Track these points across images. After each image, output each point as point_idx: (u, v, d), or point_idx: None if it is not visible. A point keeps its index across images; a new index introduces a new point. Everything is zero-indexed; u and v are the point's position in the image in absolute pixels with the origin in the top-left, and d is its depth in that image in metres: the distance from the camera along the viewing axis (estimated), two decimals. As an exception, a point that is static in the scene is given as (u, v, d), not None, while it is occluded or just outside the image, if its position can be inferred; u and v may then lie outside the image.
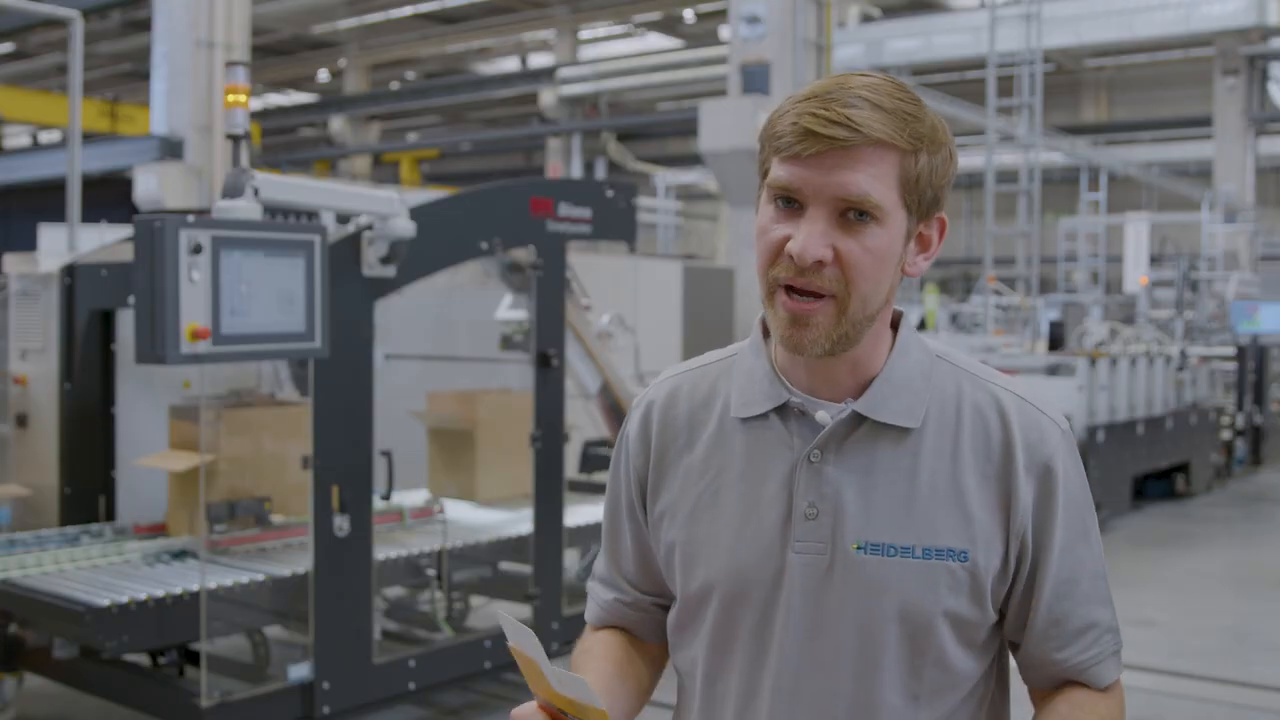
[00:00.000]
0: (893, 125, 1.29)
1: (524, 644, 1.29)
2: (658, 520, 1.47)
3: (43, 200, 12.51)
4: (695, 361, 1.53)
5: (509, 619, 1.31)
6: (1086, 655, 1.40)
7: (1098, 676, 1.41)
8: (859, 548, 1.34)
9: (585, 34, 26.95)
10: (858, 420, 1.36)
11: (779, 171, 1.31)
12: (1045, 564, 1.37)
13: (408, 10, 24.84)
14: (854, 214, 1.29)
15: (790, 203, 1.31)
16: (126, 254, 4.69)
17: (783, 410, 1.39)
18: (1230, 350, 13.89)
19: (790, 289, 1.30)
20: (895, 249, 1.33)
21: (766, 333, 1.44)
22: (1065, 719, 1.40)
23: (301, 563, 4.39)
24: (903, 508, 1.34)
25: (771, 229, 1.32)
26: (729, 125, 11.82)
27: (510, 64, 29.47)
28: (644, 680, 1.54)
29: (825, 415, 1.36)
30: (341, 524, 4.28)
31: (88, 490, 4.98)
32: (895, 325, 1.42)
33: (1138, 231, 18.84)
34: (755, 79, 12.05)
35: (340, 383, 4.28)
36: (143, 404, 5.11)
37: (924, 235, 1.37)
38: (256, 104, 29.35)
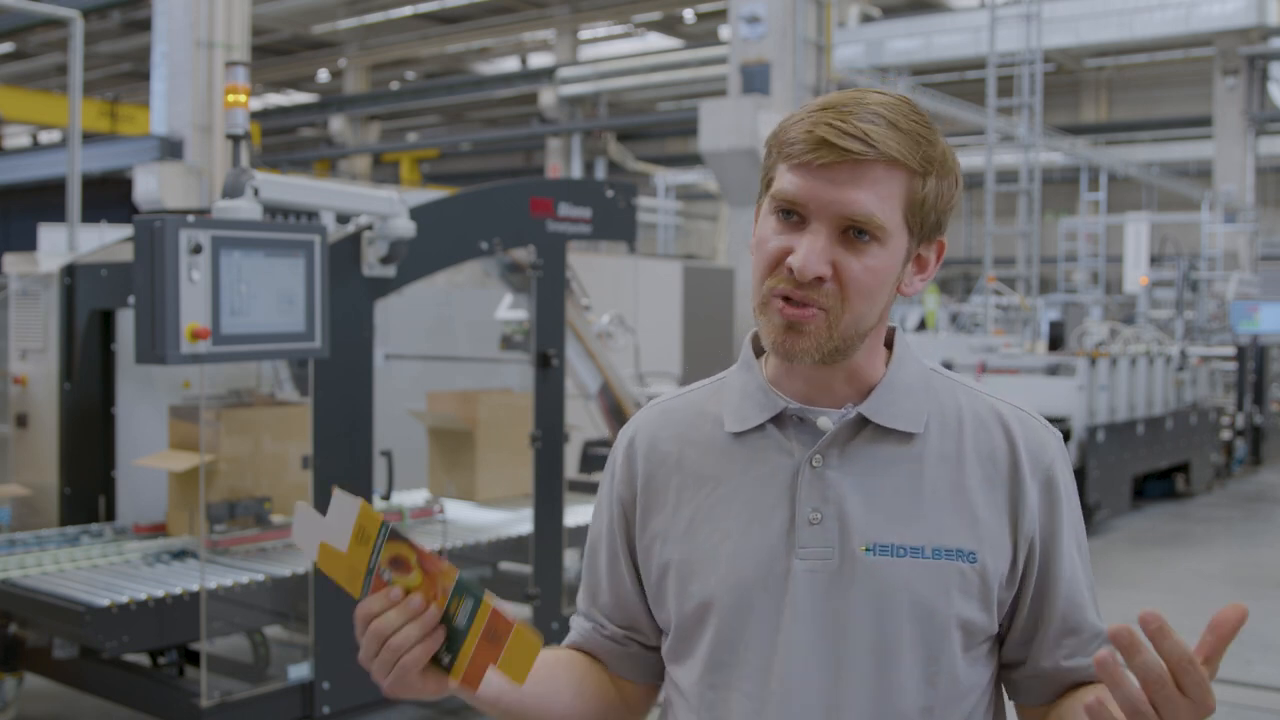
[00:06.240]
0: (907, 145, 1.27)
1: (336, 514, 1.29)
2: (649, 545, 1.42)
3: (43, 200, 12.53)
4: (680, 390, 1.52)
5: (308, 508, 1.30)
6: None
7: None
8: (868, 549, 1.31)
9: (585, 34, 26.97)
10: (860, 424, 1.35)
11: (785, 181, 1.29)
12: (1056, 574, 1.36)
13: (408, 10, 24.86)
14: (855, 232, 1.27)
15: (791, 215, 1.29)
16: (126, 254, 4.69)
17: (779, 419, 1.37)
18: (1230, 350, 13.90)
19: (787, 299, 1.29)
20: (894, 269, 1.32)
21: (757, 352, 1.43)
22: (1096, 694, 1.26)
23: (301, 563, 4.39)
24: (909, 510, 1.32)
25: (771, 240, 1.30)
26: (729, 125, 11.83)
27: (510, 64, 29.48)
28: (589, 693, 1.48)
29: (827, 421, 1.35)
30: (341, 524, 4.27)
31: (88, 490, 4.98)
32: (889, 339, 1.42)
33: (1138, 231, 18.83)
34: (755, 79, 12.07)
35: (340, 383, 4.28)
36: (143, 404, 5.11)
37: (922, 257, 1.37)
38: (256, 104, 29.36)
